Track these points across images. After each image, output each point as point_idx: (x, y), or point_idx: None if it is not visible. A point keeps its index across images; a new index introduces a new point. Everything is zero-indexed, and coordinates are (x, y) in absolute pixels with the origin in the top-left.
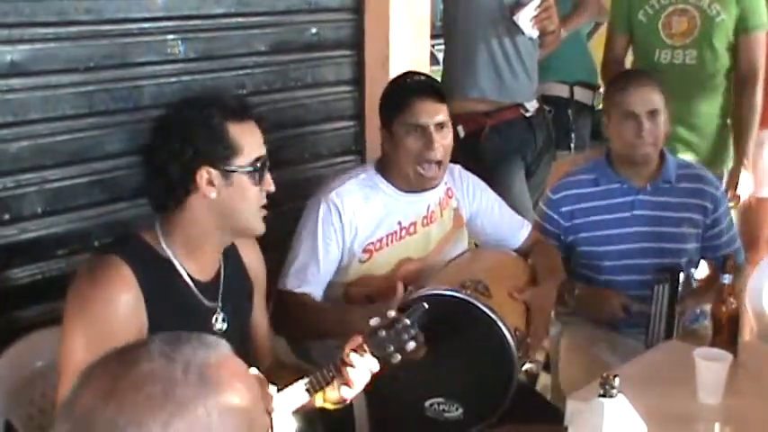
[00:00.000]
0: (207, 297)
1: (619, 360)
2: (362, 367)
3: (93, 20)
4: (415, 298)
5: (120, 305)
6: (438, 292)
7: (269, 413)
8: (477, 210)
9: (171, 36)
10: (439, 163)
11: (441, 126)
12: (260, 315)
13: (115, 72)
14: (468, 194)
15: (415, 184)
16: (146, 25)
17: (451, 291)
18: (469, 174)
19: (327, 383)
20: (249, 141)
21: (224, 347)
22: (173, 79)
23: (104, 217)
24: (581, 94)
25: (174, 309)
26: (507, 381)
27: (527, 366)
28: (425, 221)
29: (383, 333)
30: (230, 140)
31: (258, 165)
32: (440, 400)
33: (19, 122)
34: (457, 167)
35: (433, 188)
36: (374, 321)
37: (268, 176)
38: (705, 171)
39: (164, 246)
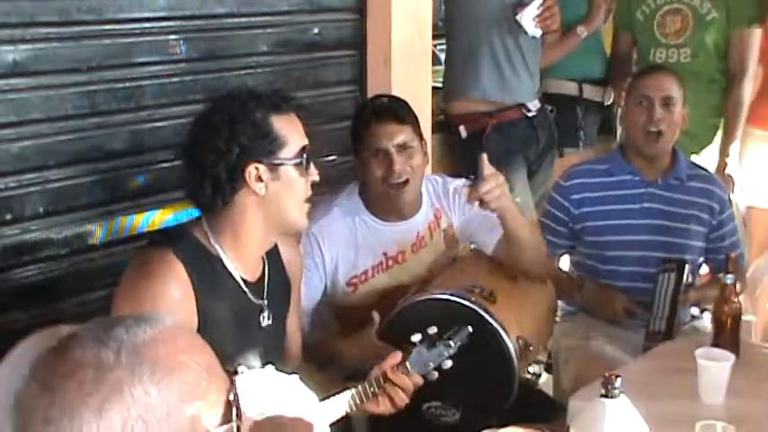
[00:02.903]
0: (254, 295)
1: (619, 353)
2: (408, 385)
3: (95, 20)
4: (422, 300)
5: (171, 301)
6: (444, 296)
7: (231, 380)
8: (464, 220)
9: (173, 36)
10: (405, 184)
11: (403, 148)
12: (294, 313)
13: (117, 72)
14: (457, 210)
15: (393, 211)
16: (147, 25)
17: (457, 296)
18: (457, 184)
19: (369, 399)
20: (292, 132)
21: (165, 322)
22: (174, 79)
23: (107, 217)
24: (590, 92)
25: (224, 306)
26: (507, 390)
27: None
28: (415, 248)
29: (424, 351)
30: (275, 133)
31: (304, 155)
32: (437, 403)
33: (21, 122)
34: (445, 181)
35: (412, 216)
36: (415, 338)
37: (312, 166)
38: (714, 174)
39: (213, 243)
